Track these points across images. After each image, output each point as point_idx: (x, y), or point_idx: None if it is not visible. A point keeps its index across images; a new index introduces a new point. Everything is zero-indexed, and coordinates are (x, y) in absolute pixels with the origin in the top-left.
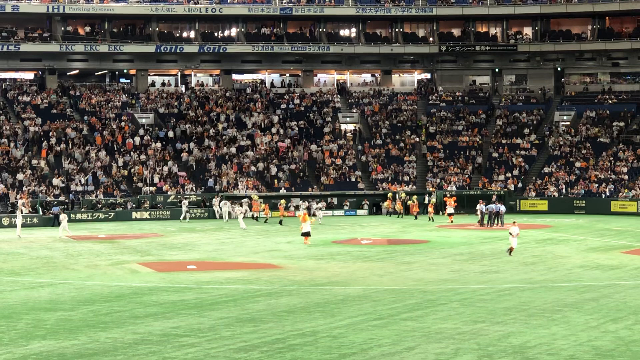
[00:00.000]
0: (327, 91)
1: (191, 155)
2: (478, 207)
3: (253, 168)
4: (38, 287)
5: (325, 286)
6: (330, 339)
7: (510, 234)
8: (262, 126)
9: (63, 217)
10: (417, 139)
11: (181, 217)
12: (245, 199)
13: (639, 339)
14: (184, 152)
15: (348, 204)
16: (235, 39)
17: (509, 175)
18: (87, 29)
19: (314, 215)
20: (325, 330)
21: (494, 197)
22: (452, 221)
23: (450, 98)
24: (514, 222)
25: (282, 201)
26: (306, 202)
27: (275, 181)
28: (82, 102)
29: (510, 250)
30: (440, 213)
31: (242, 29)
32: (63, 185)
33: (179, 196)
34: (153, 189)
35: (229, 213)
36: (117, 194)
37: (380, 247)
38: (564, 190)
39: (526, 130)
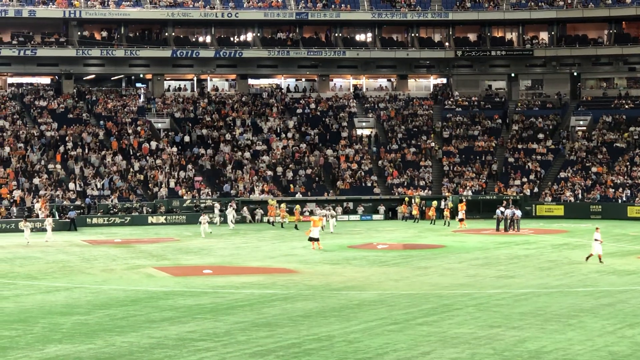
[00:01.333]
0: (343, 96)
1: (207, 160)
2: (506, 211)
3: (269, 173)
4: (54, 291)
5: (341, 291)
6: (346, 344)
7: (596, 239)
8: (278, 131)
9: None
10: (433, 144)
11: (217, 221)
12: (204, 216)
13: None
14: (200, 157)
15: (362, 208)
16: (251, 44)
17: (524, 180)
18: (104, 33)
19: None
20: (341, 334)
21: (504, 203)
22: (461, 226)
23: (466, 103)
24: (597, 228)
25: (297, 206)
26: (323, 210)
27: (291, 186)
28: (98, 106)
29: (590, 256)
30: (456, 218)
31: (258, 34)
32: (80, 189)
33: (195, 201)
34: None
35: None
36: (133, 198)
37: (396, 252)
38: (580, 195)
39: (542, 135)
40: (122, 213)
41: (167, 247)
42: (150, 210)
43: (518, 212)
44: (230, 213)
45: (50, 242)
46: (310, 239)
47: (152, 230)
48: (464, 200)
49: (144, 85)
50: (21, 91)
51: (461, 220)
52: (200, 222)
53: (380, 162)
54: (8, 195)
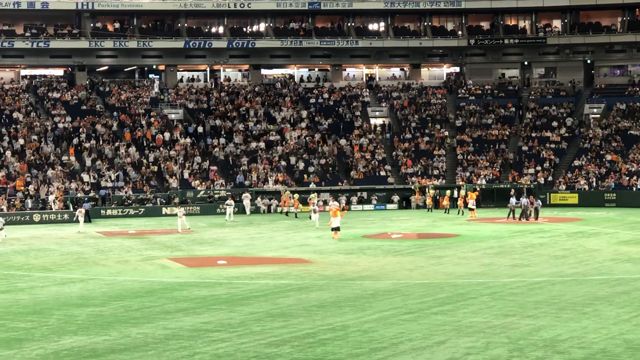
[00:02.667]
0: (356, 85)
1: (221, 150)
2: (523, 200)
3: (283, 163)
4: (69, 283)
5: (356, 280)
6: (360, 334)
7: None
8: (292, 121)
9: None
10: (446, 133)
11: (248, 211)
12: (180, 208)
13: None
14: (214, 147)
15: (376, 197)
16: (264, 34)
17: (538, 168)
18: (116, 25)
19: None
20: (356, 324)
21: (512, 191)
22: (473, 216)
23: (480, 91)
24: None
25: (313, 195)
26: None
27: (305, 176)
28: (111, 98)
29: None
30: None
31: (271, 24)
32: (94, 181)
33: (208, 192)
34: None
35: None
36: (147, 189)
37: (410, 241)
38: (594, 184)
39: (556, 123)
40: (136, 204)
41: (182, 238)
42: (164, 201)
43: (538, 202)
44: (230, 206)
45: (80, 233)
46: (333, 229)
47: (166, 221)
48: (477, 189)
49: (157, 77)
50: (34, 83)
51: (471, 209)
52: (177, 215)
53: (394, 151)
54: (23, 188)
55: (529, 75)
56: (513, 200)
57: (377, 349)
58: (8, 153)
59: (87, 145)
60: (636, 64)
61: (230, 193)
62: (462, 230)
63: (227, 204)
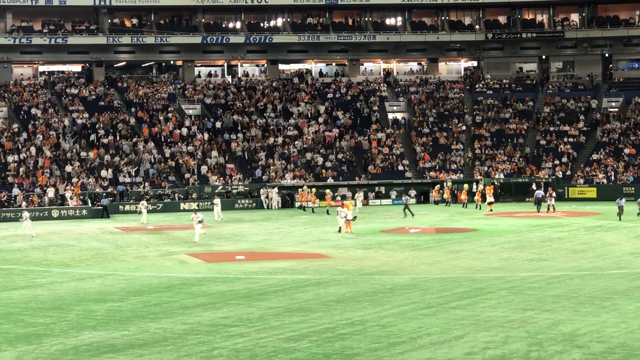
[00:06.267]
0: (373, 80)
1: (238, 145)
2: (537, 192)
3: (300, 158)
4: (88, 279)
5: (374, 275)
6: (379, 328)
7: None
8: (309, 116)
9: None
10: (464, 127)
11: (270, 205)
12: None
13: None
14: (231, 142)
15: (395, 192)
16: (281, 29)
17: (557, 162)
18: (134, 20)
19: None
20: (374, 319)
21: (534, 185)
22: (491, 210)
23: (497, 86)
24: None
25: (328, 191)
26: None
27: (323, 171)
28: (129, 93)
29: None
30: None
31: (288, 19)
32: (111, 177)
33: (226, 187)
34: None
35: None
36: (165, 185)
37: (428, 236)
38: (612, 177)
39: (576, 117)
40: (154, 200)
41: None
42: (182, 196)
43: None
44: (217, 205)
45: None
46: (346, 221)
47: (184, 216)
48: (495, 183)
49: (174, 72)
50: (52, 79)
51: (490, 203)
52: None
53: (412, 146)
54: (43, 183)
55: (547, 69)
56: (540, 192)
57: (395, 344)
58: (32, 149)
59: (105, 141)
60: None
61: (218, 190)
62: (480, 225)
63: (214, 203)
